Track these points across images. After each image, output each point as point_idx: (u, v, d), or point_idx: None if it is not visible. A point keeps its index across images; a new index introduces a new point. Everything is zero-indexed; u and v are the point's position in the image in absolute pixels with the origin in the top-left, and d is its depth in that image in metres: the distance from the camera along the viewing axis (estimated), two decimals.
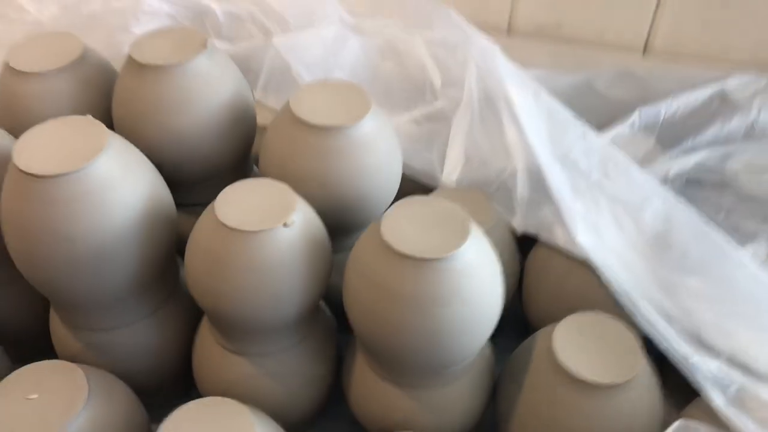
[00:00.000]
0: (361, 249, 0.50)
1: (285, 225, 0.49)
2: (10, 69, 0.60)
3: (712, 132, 0.71)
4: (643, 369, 0.51)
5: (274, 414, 0.52)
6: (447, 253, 0.46)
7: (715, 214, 0.64)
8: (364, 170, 0.56)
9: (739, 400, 0.48)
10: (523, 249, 0.68)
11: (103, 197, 0.49)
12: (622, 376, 0.50)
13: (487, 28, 1.09)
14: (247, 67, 0.74)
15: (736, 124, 0.72)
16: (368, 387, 0.55)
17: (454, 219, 0.49)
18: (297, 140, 0.56)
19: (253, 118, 0.63)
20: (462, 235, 0.48)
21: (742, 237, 0.62)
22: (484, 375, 0.56)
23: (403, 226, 0.48)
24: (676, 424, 0.47)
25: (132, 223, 0.50)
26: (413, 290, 0.47)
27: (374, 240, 0.48)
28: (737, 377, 0.49)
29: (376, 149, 0.57)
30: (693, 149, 0.70)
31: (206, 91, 0.58)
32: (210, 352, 0.56)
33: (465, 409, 0.55)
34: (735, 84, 0.76)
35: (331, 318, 0.61)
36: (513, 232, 0.66)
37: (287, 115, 0.57)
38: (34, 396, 0.50)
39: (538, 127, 0.66)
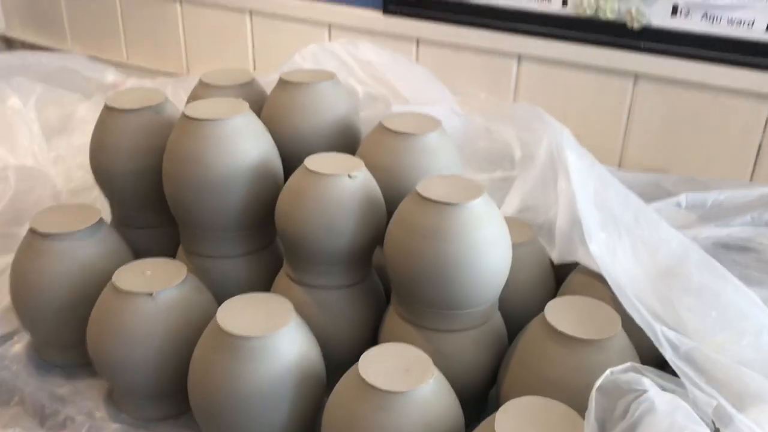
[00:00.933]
0: (402, 203, 0.66)
1: (350, 176, 0.66)
2: (201, 84, 0.85)
3: (750, 217, 0.80)
4: (618, 335, 0.60)
5: (319, 340, 0.66)
6: (460, 202, 0.61)
7: (732, 267, 0.72)
8: (422, 168, 0.72)
9: (688, 356, 0.55)
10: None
11: (233, 142, 0.69)
12: (599, 334, 0.59)
13: None
14: (369, 127, 0.95)
15: None
16: (393, 328, 0.68)
17: (473, 186, 0.64)
18: (379, 142, 0.74)
19: (357, 134, 0.83)
20: (475, 195, 0.62)
21: (749, 283, 0.68)
22: (491, 338, 0.66)
23: (434, 186, 0.64)
24: (627, 364, 0.54)
25: (248, 166, 0.70)
26: (432, 225, 0.61)
27: (411, 194, 0.64)
28: (689, 342, 0.56)
29: (437, 156, 0.73)
30: (728, 225, 0.79)
31: (325, 106, 0.79)
32: (281, 284, 0.72)
33: (471, 361, 0.66)
34: None
35: (379, 286, 0.74)
36: (550, 260, 0.77)
37: (379, 126, 0.76)
38: (149, 272, 0.68)
39: (586, 183, 0.79)
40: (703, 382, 0.53)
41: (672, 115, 1.18)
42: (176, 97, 1.20)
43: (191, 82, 1.25)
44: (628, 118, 1.22)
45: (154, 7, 1.63)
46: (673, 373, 0.56)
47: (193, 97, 0.87)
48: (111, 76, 1.43)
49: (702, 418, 0.50)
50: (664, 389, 0.53)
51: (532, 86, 1.28)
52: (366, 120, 0.96)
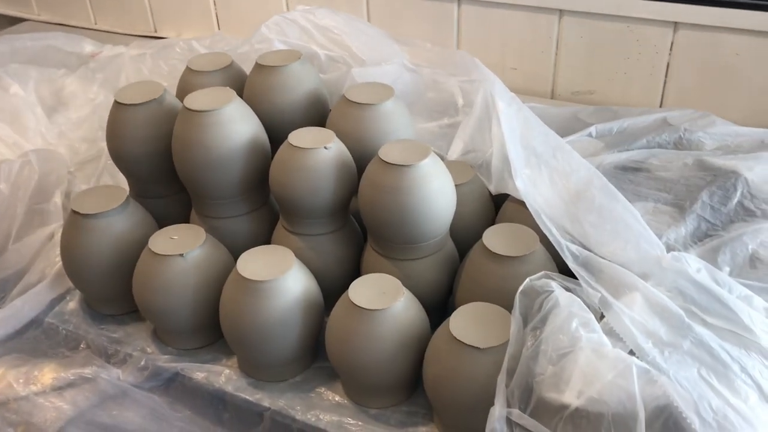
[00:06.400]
0: (369, 166, 0.84)
1: (326, 148, 0.84)
2: (189, 70, 1.01)
3: (646, 140, 0.99)
4: (538, 250, 0.80)
5: (315, 275, 0.85)
6: (412, 163, 0.80)
7: (627, 185, 0.92)
8: (383, 133, 0.91)
9: (585, 262, 0.76)
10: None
11: (228, 126, 0.87)
12: (522, 251, 0.80)
13: (534, 94, 1.44)
14: (333, 88, 1.12)
15: (665, 137, 1.00)
16: (370, 260, 0.88)
17: (423, 149, 0.82)
18: (344, 112, 0.92)
19: (325, 103, 1.00)
20: (424, 156, 0.81)
21: (638, 198, 0.89)
22: (445, 261, 0.87)
23: (392, 150, 0.82)
24: (541, 273, 0.75)
25: (242, 145, 0.88)
26: (391, 183, 0.80)
27: (375, 158, 0.83)
28: (586, 252, 0.77)
29: (394, 121, 0.91)
30: (628, 150, 0.99)
31: (296, 84, 0.96)
32: (279, 234, 0.91)
33: (432, 281, 0.86)
34: (676, 114, 1.04)
35: (357, 228, 0.94)
36: (490, 193, 0.97)
37: (342, 98, 0.93)
38: (175, 237, 0.87)
39: (514, 126, 0.98)
40: (593, 281, 0.74)
41: (594, 43, 1.36)
42: (157, 68, 1.35)
43: (167, 51, 1.39)
44: (557, 48, 1.39)
45: None
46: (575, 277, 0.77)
47: (182, 81, 1.03)
48: (88, 47, 1.56)
49: (591, 307, 0.71)
50: (568, 289, 0.74)
51: (472, 25, 1.44)
52: (329, 82, 1.12)
